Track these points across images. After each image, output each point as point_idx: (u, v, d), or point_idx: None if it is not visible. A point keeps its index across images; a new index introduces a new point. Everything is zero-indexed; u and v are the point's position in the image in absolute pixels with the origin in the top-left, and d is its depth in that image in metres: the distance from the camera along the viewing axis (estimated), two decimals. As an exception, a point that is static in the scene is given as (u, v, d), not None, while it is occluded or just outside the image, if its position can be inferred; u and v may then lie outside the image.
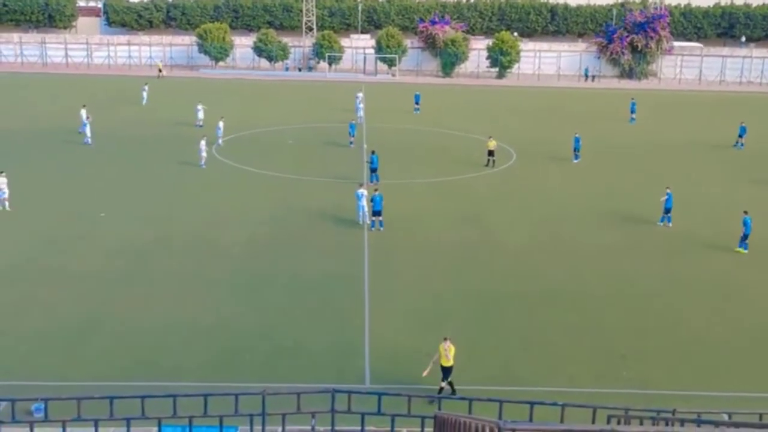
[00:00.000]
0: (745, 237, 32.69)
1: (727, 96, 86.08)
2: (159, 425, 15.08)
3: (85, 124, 51.00)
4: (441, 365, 20.62)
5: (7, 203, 35.18)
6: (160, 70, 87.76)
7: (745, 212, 33.09)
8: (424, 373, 20.57)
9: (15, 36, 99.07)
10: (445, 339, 20.80)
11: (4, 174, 35.49)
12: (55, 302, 25.96)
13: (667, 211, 35.92)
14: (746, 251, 32.58)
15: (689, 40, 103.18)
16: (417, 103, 67.80)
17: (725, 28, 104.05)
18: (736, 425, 11.64)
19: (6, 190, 35.09)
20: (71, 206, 36.97)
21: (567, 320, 25.82)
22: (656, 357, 23.54)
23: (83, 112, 52.41)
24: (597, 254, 32.32)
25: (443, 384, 20.56)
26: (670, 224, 35.81)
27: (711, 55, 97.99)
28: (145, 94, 67.36)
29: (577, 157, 49.09)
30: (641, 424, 15.38)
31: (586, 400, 17.42)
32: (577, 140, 49.24)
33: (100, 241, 32.28)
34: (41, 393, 16.91)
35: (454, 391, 20.48)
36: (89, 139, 50.28)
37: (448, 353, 20.51)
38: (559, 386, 21.26)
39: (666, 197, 35.92)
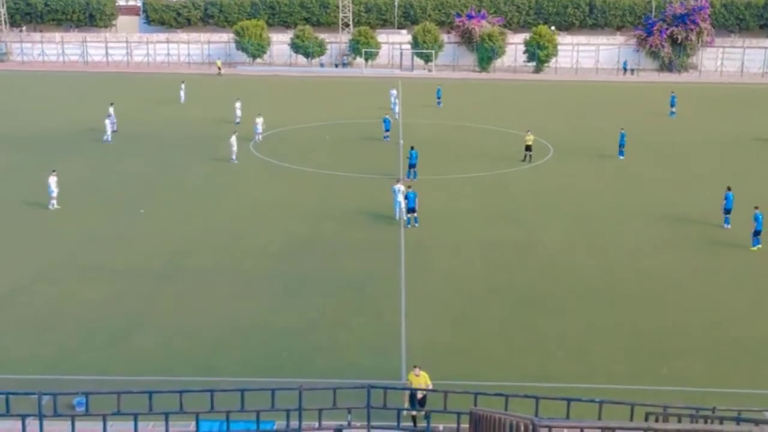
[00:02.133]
0: (756, 233, 31.87)
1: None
2: (197, 420, 15.26)
3: (112, 122, 51.91)
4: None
5: (54, 201, 35.78)
6: (219, 68, 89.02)
7: (756, 207, 32.29)
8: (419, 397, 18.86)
9: (57, 35, 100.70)
10: (415, 367, 19.14)
11: (55, 173, 36.12)
12: (97, 299, 26.35)
13: (727, 212, 34.56)
14: (756, 247, 31.84)
15: (731, 32, 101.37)
16: (438, 98, 68.74)
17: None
18: (777, 424, 11.46)
19: (55, 189, 35.69)
20: (111, 203, 37.48)
21: (604, 317, 25.61)
22: (696, 354, 23.25)
23: (111, 110, 53.11)
24: (635, 251, 31.94)
25: (413, 413, 18.65)
26: (728, 226, 34.44)
27: (753, 47, 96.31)
28: (182, 92, 68.00)
29: (622, 153, 48.34)
30: (679, 421, 15.21)
31: (624, 397, 17.27)
32: (623, 136, 48.42)
33: (140, 238, 32.70)
34: (83, 387, 17.19)
35: (414, 424, 18.74)
36: (109, 137, 50.96)
37: (420, 382, 18.73)
38: (596, 383, 21.07)
39: (725, 199, 34.65)
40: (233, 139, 45.73)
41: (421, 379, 18.85)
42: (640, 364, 22.62)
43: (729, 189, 34.98)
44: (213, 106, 64.58)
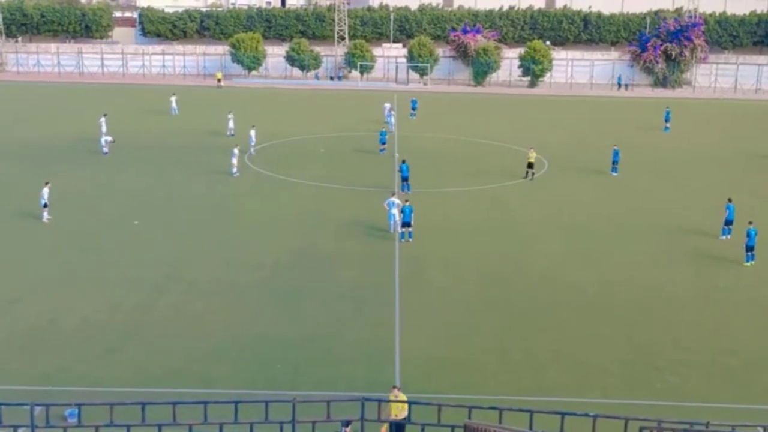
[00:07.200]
0: (748, 248, 31.95)
1: (764, 105, 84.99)
2: (190, 431, 15.16)
3: (102, 134, 51.99)
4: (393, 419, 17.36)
5: (46, 213, 35.62)
6: (219, 80, 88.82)
7: (750, 223, 32.39)
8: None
9: (53, 46, 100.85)
10: (394, 387, 18.35)
11: (48, 185, 36.01)
12: (90, 310, 26.23)
13: (728, 223, 34.77)
14: (750, 263, 31.95)
15: (725, 48, 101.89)
16: (413, 109, 68.79)
17: (761, 36, 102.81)
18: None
19: (47, 200, 35.50)
20: (106, 214, 37.41)
21: (599, 331, 25.60)
22: (690, 369, 23.24)
23: (102, 121, 53.19)
24: (629, 265, 31.99)
25: None
26: (728, 237, 34.70)
27: (747, 63, 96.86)
28: (174, 105, 67.80)
29: (615, 170, 48.33)
30: (674, 436, 15.18)
31: (619, 411, 17.22)
32: (616, 153, 48.43)
33: (134, 249, 32.62)
34: (75, 398, 17.09)
35: None
36: (105, 148, 50.91)
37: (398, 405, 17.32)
38: (591, 397, 21.07)
39: (727, 209, 34.95)
40: (235, 152, 45.69)
41: (401, 400, 17.50)
42: (635, 377, 22.61)
43: (730, 200, 35.21)
44: (208, 118, 64.54)
